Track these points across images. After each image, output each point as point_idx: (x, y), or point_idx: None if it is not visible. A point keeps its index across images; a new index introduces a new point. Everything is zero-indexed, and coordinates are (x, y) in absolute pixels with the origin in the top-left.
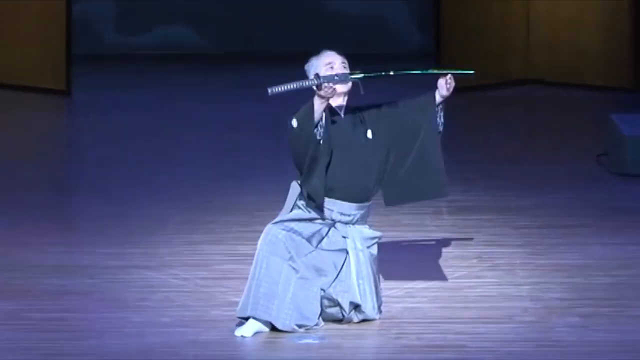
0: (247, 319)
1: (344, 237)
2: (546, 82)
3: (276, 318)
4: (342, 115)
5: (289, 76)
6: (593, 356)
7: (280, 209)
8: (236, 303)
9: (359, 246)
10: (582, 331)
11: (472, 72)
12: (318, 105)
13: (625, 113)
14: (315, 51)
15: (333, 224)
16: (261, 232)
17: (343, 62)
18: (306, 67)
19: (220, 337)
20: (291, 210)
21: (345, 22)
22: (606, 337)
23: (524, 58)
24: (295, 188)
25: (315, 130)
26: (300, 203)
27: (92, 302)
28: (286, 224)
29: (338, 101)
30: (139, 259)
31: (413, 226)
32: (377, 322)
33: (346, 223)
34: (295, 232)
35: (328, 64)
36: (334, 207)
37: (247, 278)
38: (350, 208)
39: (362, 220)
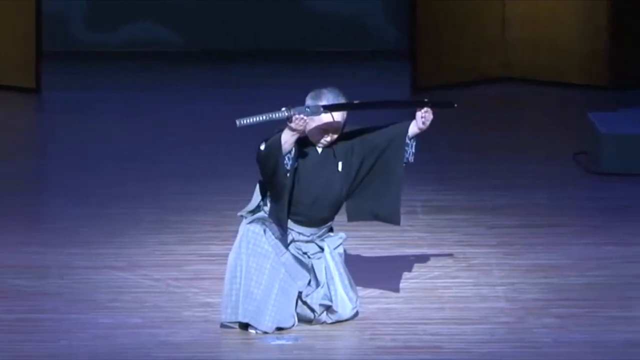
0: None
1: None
2: (523, 80)
3: (258, 321)
4: (319, 151)
5: (261, 74)
6: (569, 357)
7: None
8: (208, 304)
9: (326, 248)
10: (558, 332)
11: (454, 105)
12: (288, 136)
13: (603, 111)
14: (290, 50)
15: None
16: (233, 231)
17: (337, 131)
18: (309, 99)
19: (192, 338)
20: (255, 210)
21: (321, 20)
22: (583, 338)
23: (501, 56)
24: (261, 188)
25: (283, 161)
26: (265, 209)
27: (63, 303)
28: (265, 223)
29: (325, 139)
30: (110, 259)
31: (387, 226)
32: (352, 323)
33: (305, 242)
34: (272, 231)
35: (325, 130)
36: (293, 227)
37: (219, 278)
38: (309, 231)
39: (320, 237)
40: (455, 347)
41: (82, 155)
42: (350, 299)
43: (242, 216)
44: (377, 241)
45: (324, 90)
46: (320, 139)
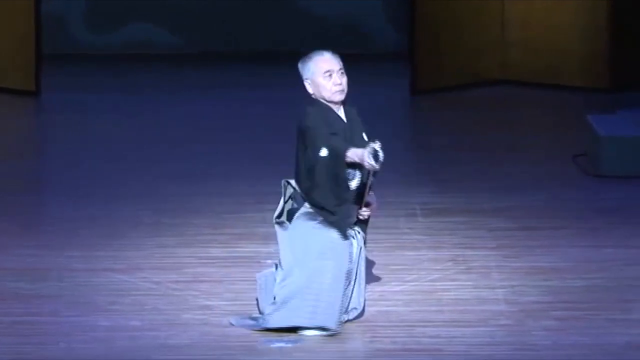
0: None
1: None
2: (522, 82)
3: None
4: (343, 117)
5: (260, 75)
6: (569, 359)
7: (249, 211)
8: (208, 306)
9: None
10: (558, 334)
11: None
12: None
13: (602, 113)
14: (289, 51)
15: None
16: (232, 234)
17: (341, 69)
18: (300, 67)
19: (192, 340)
20: (282, 210)
21: (319, 21)
22: (582, 341)
23: (500, 57)
24: (287, 188)
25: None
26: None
27: (62, 306)
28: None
29: (336, 84)
30: (109, 262)
31: (387, 229)
32: (351, 325)
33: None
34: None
35: (327, 71)
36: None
37: (219, 281)
38: (354, 210)
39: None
40: (454, 350)
41: (81, 157)
42: (360, 301)
43: (279, 222)
44: (376, 244)
45: (319, 53)
46: (331, 86)
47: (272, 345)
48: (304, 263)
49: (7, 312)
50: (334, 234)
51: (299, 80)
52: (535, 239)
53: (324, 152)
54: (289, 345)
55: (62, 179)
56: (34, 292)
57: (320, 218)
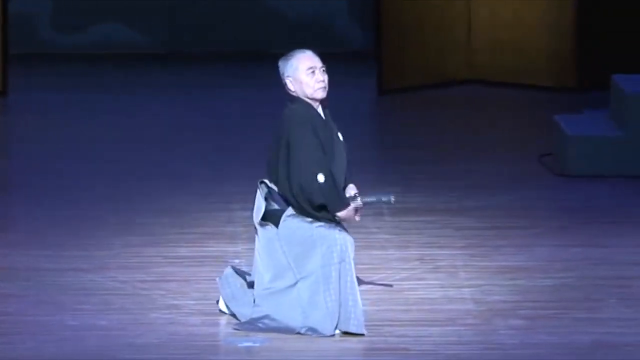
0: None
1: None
2: (488, 82)
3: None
4: (322, 115)
5: (227, 75)
6: (536, 358)
7: (216, 210)
8: (175, 306)
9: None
10: (525, 334)
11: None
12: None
13: (569, 113)
14: (258, 50)
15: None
16: (199, 233)
17: (323, 67)
18: (281, 64)
19: (159, 340)
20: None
21: (286, 21)
22: (549, 340)
23: (466, 58)
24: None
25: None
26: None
27: (29, 305)
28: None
29: (318, 81)
30: (76, 261)
31: (354, 228)
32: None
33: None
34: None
35: (309, 68)
36: None
37: (186, 280)
38: None
39: None
40: (422, 349)
41: (49, 157)
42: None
43: (263, 224)
44: None
45: (300, 51)
46: (314, 83)
47: (240, 345)
48: (303, 267)
49: None
50: (332, 237)
51: (268, 80)
52: (503, 238)
53: (321, 178)
54: (257, 344)
55: (29, 179)
56: (1, 292)
57: (312, 220)
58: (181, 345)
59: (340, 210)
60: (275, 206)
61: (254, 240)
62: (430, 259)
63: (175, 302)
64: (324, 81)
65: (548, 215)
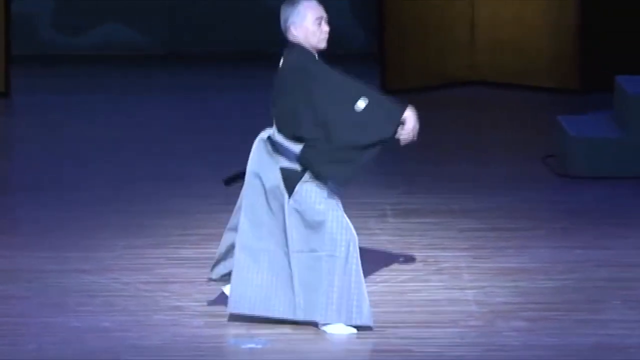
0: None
1: None
2: (490, 83)
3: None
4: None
5: (232, 75)
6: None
7: (219, 211)
8: (178, 307)
9: None
10: (527, 335)
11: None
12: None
13: (572, 114)
14: (258, 51)
15: None
16: (202, 234)
17: (326, 18)
18: (287, 10)
19: (162, 341)
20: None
21: None
22: (551, 342)
23: (468, 58)
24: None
25: None
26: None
27: (32, 307)
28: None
29: (324, 30)
30: (79, 262)
31: (357, 229)
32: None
33: None
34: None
35: (318, 18)
36: None
37: (189, 282)
38: None
39: None
40: (425, 351)
41: (51, 158)
42: None
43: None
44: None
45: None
46: (321, 33)
47: (243, 346)
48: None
49: None
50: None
51: (268, 80)
52: (506, 240)
53: (361, 104)
54: (259, 346)
55: (31, 180)
56: (3, 294)
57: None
58: (184, 347)
59: (402, 114)
60: (285, 163)
61: None
62: (433, 261)
63: (179, 303)
64: (327, 32)
65: (551, 216)
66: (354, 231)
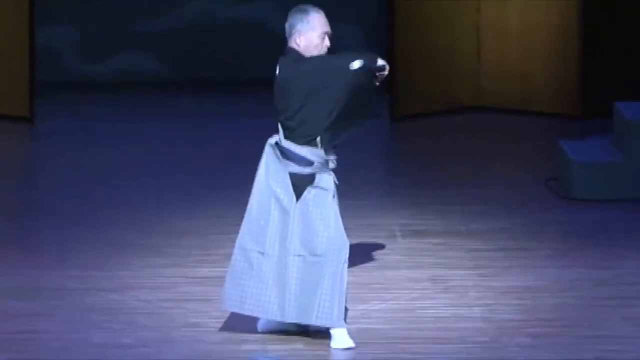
0: None
1: None
2: (496, 109)
3: None
4: None
5: (242, 102)
6: None
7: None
8: (196, 324)
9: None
10: (531, 351)
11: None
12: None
13: (573, 139)
14: (270, 77)
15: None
16: (221, 254)
17: (330, 32)
18: (294, 18)
19: (181, 357)
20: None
21: None
22: (555, 357)
23: (474, 86)
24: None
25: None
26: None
27: (56, 323)
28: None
29: (325, 44)
30: (101, 281)
31: (367, 249)
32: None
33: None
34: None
35: (323, 33)
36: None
37: (207, 300)
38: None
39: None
40: None
41: (74, 182)
42: None
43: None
44: (357, 264)
45: (313, 10)
46: (323, 47)
47: None
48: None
49: (5, 329)
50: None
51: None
52: (510, 260)
53: (356, 64)
54: None
55: (56, 203)
56: (30, 311)
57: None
58: None
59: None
60: (294, 168)
61: None
62: (441, 279)
63: (197, 320)
64: (327, 47)
65: (553, 237)
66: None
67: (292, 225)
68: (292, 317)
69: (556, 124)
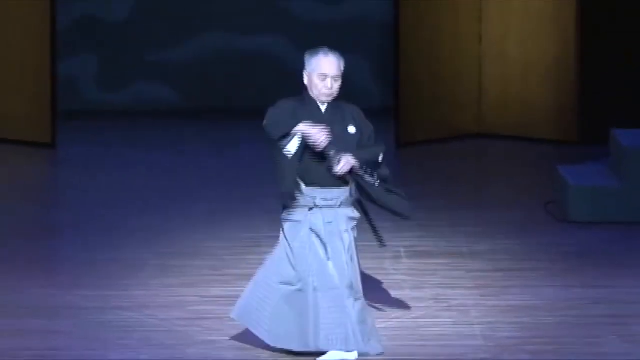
0: None
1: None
2: (497, 136)
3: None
4: (322, 109)
5: (255, 129)
6: None
7: (246, 253)
8: (210, 342)
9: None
10: None
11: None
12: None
13: (571, 164)
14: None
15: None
16: (232, 275)
17: (336, 76)
18: (307, 57)
19: None
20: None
21: None
22: None
23: (476, 114)
24: None
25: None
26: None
27: (75, 341)
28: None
29: (326, 87)
30: (118, 300)
31: (373, 269)
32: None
33: (330, 207)
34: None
35: (322, 74)
36: (315, 194)
37: (220, 318)
38: (332, 193)
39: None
40: None
41: (93, 205)
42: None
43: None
44: (364, 283)
45: (325, 53)
46: (321, 88)
47: None
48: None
49: (26, 346)
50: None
51: None
52: (510, 280)
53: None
54: None
55: (76, 225)
56: (49, 329)
57: None
58: None
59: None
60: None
61: None
62: (443, 298)
63: (211, 338)
64: (331, 89)
65: (552, 258)
66: None
67: (330, 261)
68: (316, 346)
69: (555, 150)
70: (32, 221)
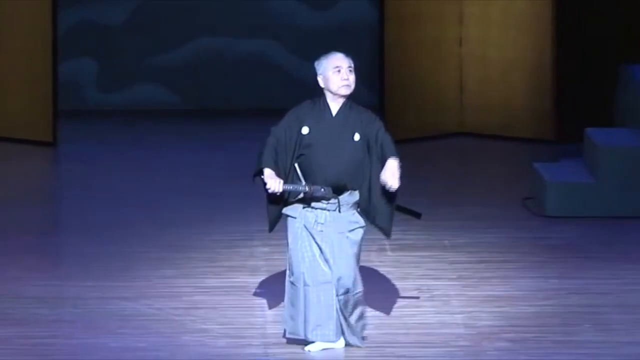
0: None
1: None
2: (477, 135)
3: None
4: (333, 114)
5: (250, 130)
6: None
7: (240, 247)
8: (204, 330)
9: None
10: (510, 354)
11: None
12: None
13: (547, 162)
14: (275, 108)
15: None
16: (225, 267)
17: (350, 67)
18: (315, 65)
19: (190, 359)
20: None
21: (301, 82)
22: None
23: (458, 114)
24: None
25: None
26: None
27: (77, 329)
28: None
29: (343, 80)
30: (118, 291)
31: (360, 262)
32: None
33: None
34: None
35: (336, 67)
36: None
37: (213, 308)
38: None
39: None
40: None
41: (94, 202)
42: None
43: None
44: None
45: (334, 53)
46: (338, 81)
47: None
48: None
49: (29, 334)
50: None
51: None
52: (490, 271)
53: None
54: None
55: (77, 221)
56: (52, 318)
57: None
58: None
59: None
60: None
61: (273, 273)
62: (426, 289)
63: (204, 326)
64: (348, 79)
65: (530, 251)
66: None
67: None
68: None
69: (532, 148)
70: (35, 216)
